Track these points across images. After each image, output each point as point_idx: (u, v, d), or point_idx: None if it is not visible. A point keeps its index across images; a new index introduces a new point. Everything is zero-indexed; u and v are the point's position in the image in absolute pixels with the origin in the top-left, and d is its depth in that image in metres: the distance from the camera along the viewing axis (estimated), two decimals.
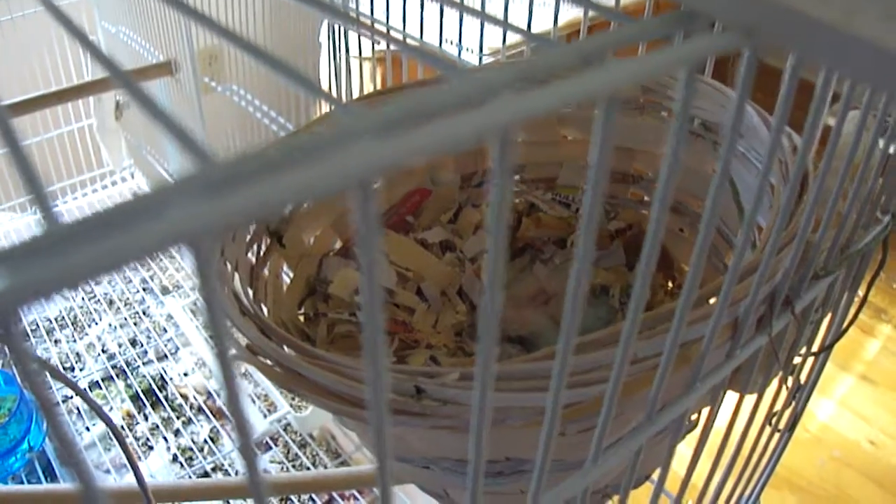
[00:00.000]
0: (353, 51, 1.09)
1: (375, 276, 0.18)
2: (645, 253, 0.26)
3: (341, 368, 0.39)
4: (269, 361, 0.43)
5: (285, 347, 0.44)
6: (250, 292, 0.56)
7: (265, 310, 0.57)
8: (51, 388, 1.62)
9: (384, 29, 0.88)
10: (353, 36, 1.07)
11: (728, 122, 0.26)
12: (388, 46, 0.99)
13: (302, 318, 0.63)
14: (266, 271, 0.61)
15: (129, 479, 1.44)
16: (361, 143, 0.16)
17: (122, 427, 1.56)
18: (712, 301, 0.41)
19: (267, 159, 0.16)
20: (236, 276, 0.55)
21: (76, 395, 0.52)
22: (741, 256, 0.34)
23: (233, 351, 0.45)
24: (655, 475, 0.66)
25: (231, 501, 1.40)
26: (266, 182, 0.15)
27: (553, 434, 0.29)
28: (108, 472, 1.49)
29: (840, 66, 0.20)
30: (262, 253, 0.61)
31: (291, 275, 0.64)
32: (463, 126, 0.17)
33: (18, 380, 1.60)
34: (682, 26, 0.23)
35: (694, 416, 0.56)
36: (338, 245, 0.69)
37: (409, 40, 0.86)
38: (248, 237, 0.60)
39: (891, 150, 0.48)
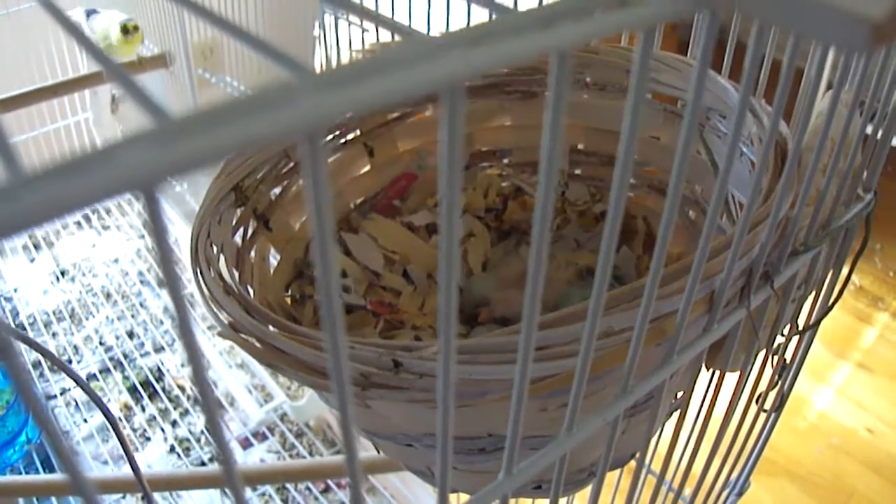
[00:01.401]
0: (346, 43, 1.10)
1: (328, 235, 0.18)
2: (609, 217, 0.27)
3: (318, 343, 0.40)
4: (250, 338, 0.43)
5: (270, 326, 0.45)
6: (236, 274, 0.57)
7: (251, 291, 0.57)
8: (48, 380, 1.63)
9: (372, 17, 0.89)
10: (345, 29, 1.07)
11: (691, 89, 0.27)
12: (377, 37, 0.99)
13: (288, 301, 0.64)
14: (252, 254, 0.61)
15: (127, 470, 1.45)
16: (311, 94, 0.16)
17: (120, 418, 1.57)
18: None
19: (218, 113, 0.16)
20: (222, 257, 0.55)
21: (76, 384, 0.52)
22: (711, 229, 0.34)
23: (217, 326, 0.46)
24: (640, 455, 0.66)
25: (227, 490, 1.41)
26: (215, 131, 0.16)
27: (523, 401, 0.29)
28: (105, 463, 1.50)
29: (789, 24, 0.21)
30: (248, 236, 0.61)
31: (278, 258, 0.65)
32: (411, 78, 0.17)
33: None
34: None
35: (680, 395, 0.57)
36: None
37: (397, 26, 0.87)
38: (235, 221, 0.60)
39: (868, 128, 0.49)
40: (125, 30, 1.50)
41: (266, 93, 0.17)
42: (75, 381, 0.59)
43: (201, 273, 0.50)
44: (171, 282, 0.16)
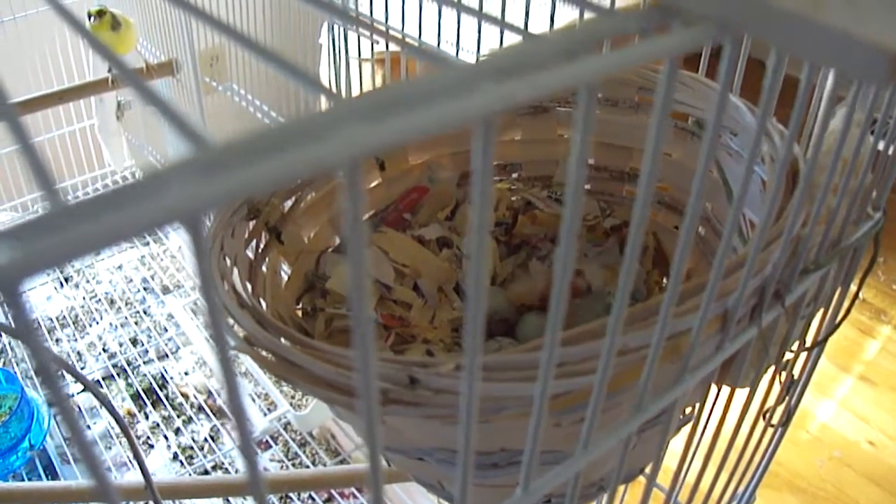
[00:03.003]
0: (353, 53, 1.10)
1: (362, 260, 0.18)
2: (631, 237, 0.27)
3: (335, 358, 0.40)
4: (265, 352, 0.44)
5: (282, 339, 0.45)
6: (249, 287, 0.57)
7: (264, 304, 0.58)
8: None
9: (383, 29, 0.89)
10: (353, 38, 1.08)
11: (711, 111, 0.27)
12: (387, 47, 1.00)
13: (300, 314, 0.64)
14: (265, 267, 0.61)
15: (129, 478, 1.45)
16: (350, 126, 0.16)
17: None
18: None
19: (260, 142, 0.16)
20: (235, 271, 0.55)
21: (83, 386, 0.53)
22: (726, 248, 0.34)
23: (231, 340, 0.46)
24: (649, 469, 0.66)
25: (231, 499, 1.41)
26: (258, 162, 0.16)
27: (542, 419, 0.30)
28: (108, 470, 1.50)
29: (809, 55, 0.21)
30: (260, 249, 0.62)
31: (289, 271, 0.65)
32: (447, 111, 0.17)
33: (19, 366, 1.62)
34: (659, 20, 0.23)
35: (689, 410, 0.57)
36: (336, 241, 0.70)
37: (407, 40, 0.87)
38: (247, 233, 0.61)
39: (879, 147, 0.49)
40: (95, 15, 1.46)
41: (305, 122, 0.17)
42: (86, 386, 0.60)
43: (215, 286, 0.50)
44: (213, 314, 0.17)
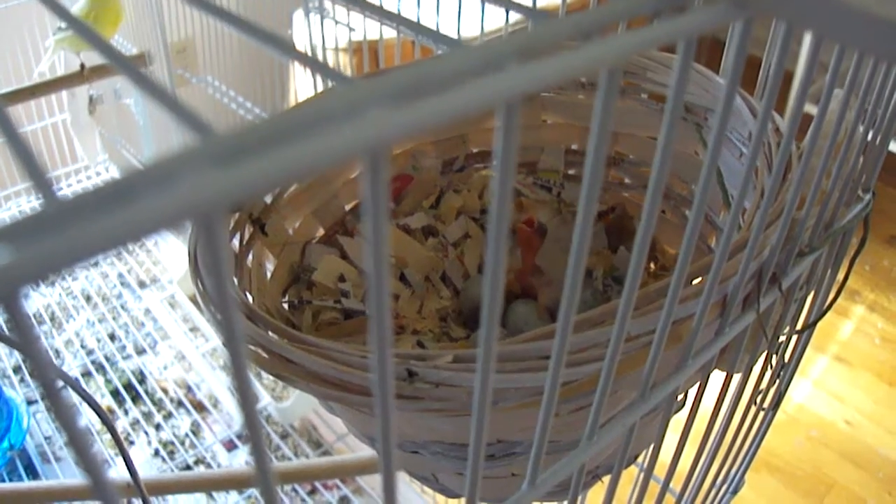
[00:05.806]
0: (329, 43, 1.09)
1: (384, 251, 0.18)
2: (640, 233, 0.26)
3: (332, 353, 0.39)
4: (258, 349, 0.43)
5: (271, 333, 0.44)
6: (235, 281, 0.56)
7: (250, 298, 0.57)
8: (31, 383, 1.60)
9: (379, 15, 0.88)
10: (329, 27, 1.06)
11: (720, 98, 0.26)
12: (364, 36, 0.99)
13: (286, 306, 0.63)
14: (250, 260, 0.60)
15: (111, 475, 1.43)
16: (373, 111, 0.15)
17: (104, 423, 1.54)
18: (696, 281, 0.42)
19: (274, 130, 0.15)
20: None
21: (65, 384, 0.51)
22: (730, 235, 0.34)
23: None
24: (640, 458, 0.66)
25: (214, 494, 1.40)
26: (276, 152, 0.15)
27: (551, 413, 0.29)
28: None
29: (830, 34, 0.21)
30: (244, 241, 0.60)
31: (274, 263, 0.64)
32: (473, 95, 0.16)
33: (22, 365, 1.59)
34: (674, 1, 0.23)
35: (680, 397, 0.57)
36: (320, 233, 0.69)
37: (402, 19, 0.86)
38: (231, 225, 0.59)
39: (870, 133, 0.49)
40: None
41: (325, 107, 0.16)
42: (69, 385, 0.58)
43: (202, 282, 0.49)
44: (228, 326, 0.16)
